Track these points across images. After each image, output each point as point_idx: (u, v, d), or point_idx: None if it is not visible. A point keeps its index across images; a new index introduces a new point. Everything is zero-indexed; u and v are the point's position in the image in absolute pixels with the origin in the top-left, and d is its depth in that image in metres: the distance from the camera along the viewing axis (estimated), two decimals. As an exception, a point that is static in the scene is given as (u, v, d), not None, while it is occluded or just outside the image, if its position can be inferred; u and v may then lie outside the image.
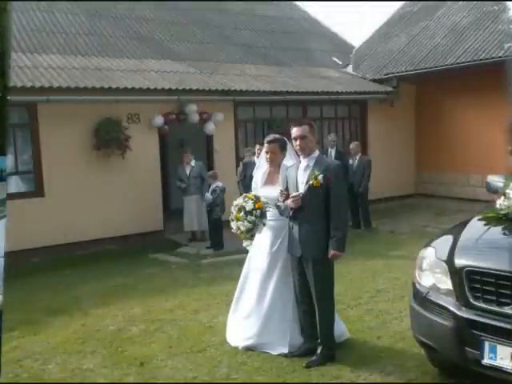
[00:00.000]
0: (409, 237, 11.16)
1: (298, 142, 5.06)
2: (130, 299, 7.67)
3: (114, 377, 5.10)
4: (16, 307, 7.47)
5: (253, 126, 13.56)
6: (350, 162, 12.25)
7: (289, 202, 5.01)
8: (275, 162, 5.49)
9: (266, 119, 13.48)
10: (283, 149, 5.52)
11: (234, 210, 5.48)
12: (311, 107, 14.38)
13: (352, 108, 15.26)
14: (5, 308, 7.34)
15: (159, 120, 11.78)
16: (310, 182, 4.93)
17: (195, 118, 12.16)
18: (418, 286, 4.34)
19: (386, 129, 15.50)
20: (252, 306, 5.45)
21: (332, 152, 12.64)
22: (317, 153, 5.16)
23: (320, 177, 4.90)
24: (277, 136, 5.59)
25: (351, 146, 12.47)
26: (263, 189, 5.53)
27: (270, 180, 5.56)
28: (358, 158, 12.23)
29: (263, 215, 5.37)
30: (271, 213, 5.43)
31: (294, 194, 5.01)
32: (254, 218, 5.31)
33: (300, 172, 5.10)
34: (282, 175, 5.34)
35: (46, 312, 7.23)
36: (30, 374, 5.25)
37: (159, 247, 11.38)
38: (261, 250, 5.46)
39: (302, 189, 5.02)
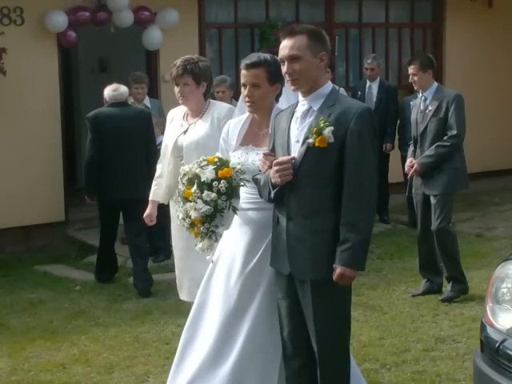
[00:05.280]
0: (508, 245, 7.60)
1: (285, 67, 3.38)
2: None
3: None
4: None
5: (233, 36, 9.34)
6: (413, 103, 7.59)
7: (271, 172, 3.39)
8: (260, 104, 3.74)
9: (256, 24, 9.12)
10: (276, 79, 3.71)
11: (181, 184, 3.62)
12: (343, 6, 9.76)
13: (417, 7, 10.21)
14: None
15: (60, 19, 7.73)
16: (310, 141, 3.34)
17: (127, 17, 8.02)
18: (489, 329, 3.45)
19: (479, 45, 10.63)
20: (207, 364, 3.72)
21: (372, 87, 8.43)
22: (327, 87, 3.47)
23: (328, 131, 3.28)
24: (264, 56, 3.78)
25: (413, 72, 6.58)
26: (239, 151, 3.84)
27: (251, 136, 3.88)
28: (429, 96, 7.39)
29: (233, 192, 3.56)
30: (249, 192, 3.69)
31: (280, 158, 3.40)
32: (215, 195, 3.53)
33: (295, 121, 3.48)
34: (271, 127, 3.74)
35: None
36: None
37: (56, 254, 7.93)
38: (227, 267, 3.76)
39: (295, 151, 3.44)
